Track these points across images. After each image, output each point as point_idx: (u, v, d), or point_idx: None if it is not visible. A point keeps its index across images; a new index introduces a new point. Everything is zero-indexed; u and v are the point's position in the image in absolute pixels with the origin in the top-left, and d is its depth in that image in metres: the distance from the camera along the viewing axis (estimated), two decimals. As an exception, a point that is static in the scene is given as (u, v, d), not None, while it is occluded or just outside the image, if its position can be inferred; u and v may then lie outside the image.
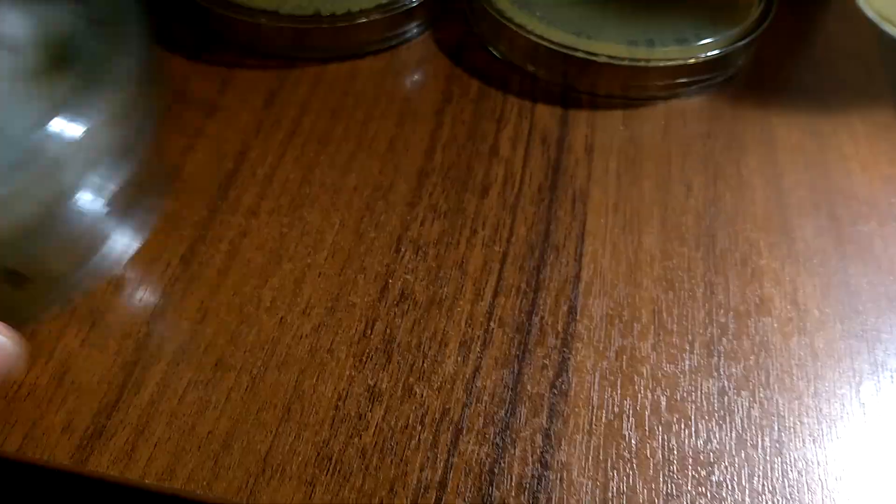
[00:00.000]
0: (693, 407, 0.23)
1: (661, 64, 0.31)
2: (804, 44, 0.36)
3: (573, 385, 0.23)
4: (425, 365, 0.23)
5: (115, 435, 0.21)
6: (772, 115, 0.32)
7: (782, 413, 0.23)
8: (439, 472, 0.21)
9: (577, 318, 0.25)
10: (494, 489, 0.21)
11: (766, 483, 0.21)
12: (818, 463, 0.22)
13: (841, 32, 0.36)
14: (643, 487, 0.21)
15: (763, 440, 0.22)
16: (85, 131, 0.18)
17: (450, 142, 0.30)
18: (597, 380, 0.23)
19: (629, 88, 0.32)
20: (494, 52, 0.34)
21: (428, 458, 0.21)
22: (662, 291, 0.26)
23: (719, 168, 0.30)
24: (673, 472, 0.22)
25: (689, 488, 0.21)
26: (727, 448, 0.22)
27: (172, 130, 0.29)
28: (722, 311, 0.25)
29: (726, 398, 0.23)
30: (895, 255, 0.27)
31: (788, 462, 0.22)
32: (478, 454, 0.21)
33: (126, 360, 0.23)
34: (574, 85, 0.32)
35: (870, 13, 0.37)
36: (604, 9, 0.33)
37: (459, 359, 0.23)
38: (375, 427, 0.22)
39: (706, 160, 0.30)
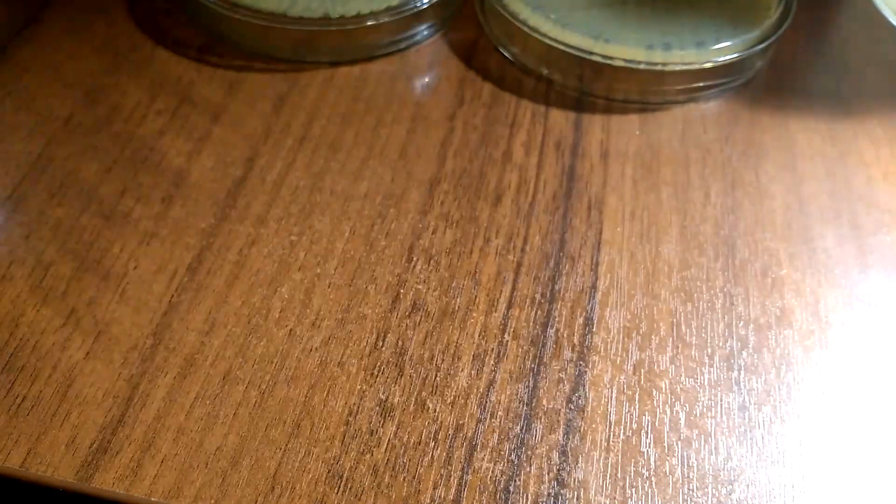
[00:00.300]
0: (713, 422, 0.22)
1: (679, 68, 0.30)
2: (822, 46, 0.35)
3: (590, 400, 0.23)
4: (438, 378, 0.23)
5: (121, 451, 0.20)
6: (790, 120, 0.31)
7: (805, 429, 0.22)
8: (453, 490, 0.20)
9: (594, 330, 0.24)
10: (510, 508, 0.20)
11: (788, 502, 0.21)
12: (842, 480, 0.21)
13: (859, 34, 0.36)
14: (663, 507, 0.21)
15: (786, 457, 0.22)
16: None
17: (462, 148, 0.29)
18: (614, 394, 0.23)
19: (646, 93, 0.32)
20: (508, 55, 0.33)
21: (441, 475, 0.21)
22: (681, 303, 0.25)
23: (738, 175, 0.29)
24: (693, 491, 0.21)
25: (710, 508, 0.21)
26: (748, 465, 0.21)
27: (178, 135, 0.29)
28: (742, 323, 0.25)
29: (747, 413, 0.23)
30: (919, 265, 0.26)
31: (813, 480, 0.21)
32: (493, 471, 0.21)
33: (132, 372, 0.22)
34: (589, 89, 0.32)
35: (888, 14, 0.36)
36: (621, 12, 0.32)
37: (473, 372, 0.23)
38: (387, 443, 0.21)
39: (724, 166, 0.29)
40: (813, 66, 0.34)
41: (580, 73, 0.32)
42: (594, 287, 0.25)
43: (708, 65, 0.31)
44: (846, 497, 0.21)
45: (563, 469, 0.21)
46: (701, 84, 0.31)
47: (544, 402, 0.22)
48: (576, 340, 0.24)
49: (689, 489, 0.21)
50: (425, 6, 0.32)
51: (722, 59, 0.31)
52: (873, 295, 0.26)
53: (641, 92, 0.31)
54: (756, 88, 0.33)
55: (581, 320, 0.24)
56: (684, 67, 0.30)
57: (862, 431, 0.22)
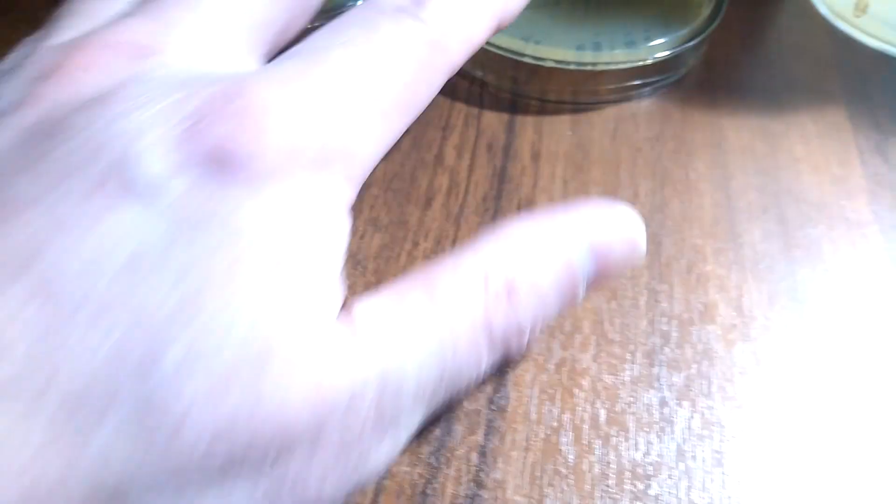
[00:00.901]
0: (633, 419, 0.23)
1: (609, 67, 0.31)
2: (756, 42, 0.35)
3: (511, 400, 0.23)
4: (360, 383, 0.23)
5: None
6: (722, 117, 0.32)
7: (723, 423, 0.23)
8: (370, 495, 0.21)
9: (518, 330, 0.24)
10: (426, 511, 0.20)
11: (704, 495, 0.21)
12: (760, 473, 0.22)
13: (794, 30, 0.36)
14: (579, 503, 0.21)
15: (703, 451, 0.22)
16: None
17: (393, 151, 0.29)
18: (536, 394, 0.23)
19: (579, 93, 0.32)
20: (443, 59, 0.33)
21: (359, 480, 0.21)
22: (605, 301, 0.25)
23: (667, 173, 0.29)
24: (610, 487, 0.21)
25: (627, 502, 0.21)
26: (666, 460, 0.22)
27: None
28: (665, 319, 0.25)
29: (667, 409, 0.23)
30: (844, 258, 0.27)
31: (729, 472, 0.22)
32: (411, 475, 0.21)
33: None
34: (523, 91, 0.32)
35: (823, 10, 0.37)
36: (552, 13, 0.32)
37: (395, 376, 0.23)
38: (306, 449, 0.21)
39: (654, 165, 0.30)
40: (747, 62, 0.35)
41: (514, 75, 0.32)
42: (520, 288, 0.25)
43: (638, 63, 0.31)
44: (763, 489, 0.21)
45: (482, 470, 0.21)
46: (633, 83, 0.32)
47: (466, 403, 0.23)
48: (500, 341, 0.24)
49: (606, 486, 0.21)
50: (360, 11, 0.33)
51: (651, 57, 0.31)
52: (797, 288, 0.26)
53: (574, 92, 0.32)
54: (689, 86, 0.33)
55: (506, 321, 0.25)
56: (614, 67, 0.31)
57: (781, 424, 0.23)
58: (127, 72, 0.16)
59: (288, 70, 0.16)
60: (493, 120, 0.31)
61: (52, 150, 0.14)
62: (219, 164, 0.14)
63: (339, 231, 0.16)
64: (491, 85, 0.32)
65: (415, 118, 0.19)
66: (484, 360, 0.17)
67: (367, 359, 0.15)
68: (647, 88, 0.32)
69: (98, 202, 0.14)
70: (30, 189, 0.14)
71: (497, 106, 0.31)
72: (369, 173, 0.18)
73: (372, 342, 0.16)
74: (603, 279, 0.19)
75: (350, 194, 0.17)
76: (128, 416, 0.13)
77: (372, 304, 0.16)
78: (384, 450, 0.16)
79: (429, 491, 0.21)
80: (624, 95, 0.32)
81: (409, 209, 0.28)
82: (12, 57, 0.18)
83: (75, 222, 0.14)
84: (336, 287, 0.16)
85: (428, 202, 0.28)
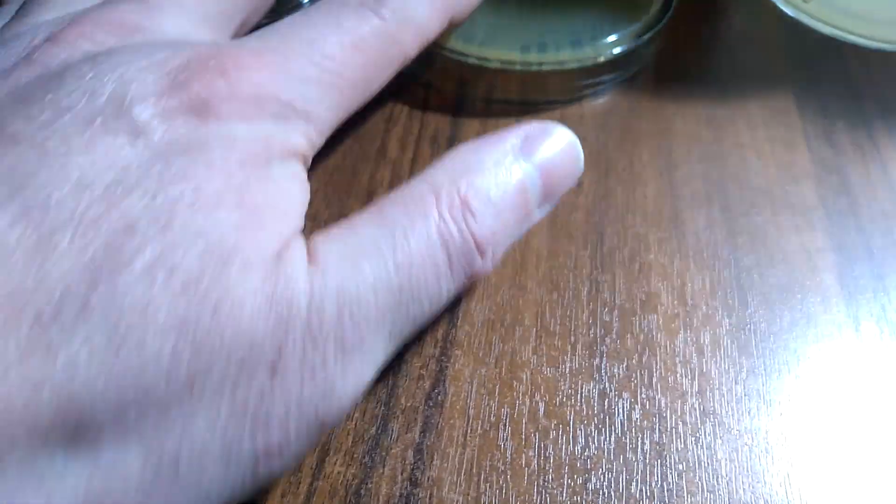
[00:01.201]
0: (572, 411, 0.22)
1: (555, 68, 0.30)
2: (706, 30, 0.35)
3: (449, 395, 0.22)
4: (294, 383, 0.22)
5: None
6: (668, 105, 0.31)
7: (664, 413, 0.22)
8: (301, 497, 0.20)
9: (458, 324, 0.24)
10: (359, 511, 0.20)
11: (644, 488, 0.21)
12: (699, 464, 0.21)
13: (743, 16, 0.36)
14: (516, 499, 0.20)
15: (643, 443, 0.22)
16: None
17: (335, 144, 0.29)
18: (475, 388, 0.23)
19: (526, 93, 0.31)
20: (388, 52, 0.33)
21: (291, 483, 0.20)
22: (547, 292, 0.25)
23: (612, 162, 0.29)
24: (548, 482, 0.21)
25: (564, 497, 0.21)
26: (605, 453, 0.21)
27: None
28: (606, 309, 0.25)
29: (607, 400, 0.23)
30: (787, 244, 0.27)
31: (668, 464, 0.21)
32: (344, 476, 0.21)
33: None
34: (470, 91, 0.31)
35: (772, -2, 0.37)
36: (497, 14, 0.32)
37: (331, 374, 0.23)
38: (235, 452, 0.21)
39: (599, 156, 0.29)
40: (695, 50, 0.34)
41: (460, 76, 0.31)
42: (460, 282, 0.25)
43: (584, 63, 0.30)
44: (705, 480, 0.21)
45: (417, 468, 0.21)
46: (582, 82, 0.31)
47: (403, 400, 0.22)
48: (439, 336, 0.24)
49: (544, 481, 0.21)
50: (305, 4, 0.32)
51: (604, 55, 0.30)
52: (741, 276, 0.26)
53: (521, 92, 0.31)
54: (638, 81, 0.33)
55: (446, 315, 0.24)
56: (560, 67, 0.30)
57: (723, 412, 0.22)
58: (116, 43, 0.18)
59: (259, 42, 0.19)
60: (438, 117, 0.30)
61: (46, 95, 0.16)
62: (197, 108, 0.17)
63: (296, 173, 0.18)
64: (438, 86, 0.32)
65: (368, 97, 0.21)
66: (444, 279, 0.18)
67: (323, 278, 0.16)
68: (597, 87, 0.32)
69: (88, 136, 0.15)
70: (24, 128, 0.15)
71: (443, 107, 0.31)
72: (326, 137, 0.19)
73: (327, 266, 0.16)
74: (551, 195, 0.20)
75: (306, 149, 0.19)
76: (96, 326, 0.14)
77: (325, 237, 0.18)
78: (350, 382, 0.16)
79: (363, 491, 0.20)
80: (573, 96, 0.32)
81: (349, 203, 0.27)
82: None
83: (66, 151, 0.15)
84: (295, 218, 0.17)
85: (369, 196, 0.27)
